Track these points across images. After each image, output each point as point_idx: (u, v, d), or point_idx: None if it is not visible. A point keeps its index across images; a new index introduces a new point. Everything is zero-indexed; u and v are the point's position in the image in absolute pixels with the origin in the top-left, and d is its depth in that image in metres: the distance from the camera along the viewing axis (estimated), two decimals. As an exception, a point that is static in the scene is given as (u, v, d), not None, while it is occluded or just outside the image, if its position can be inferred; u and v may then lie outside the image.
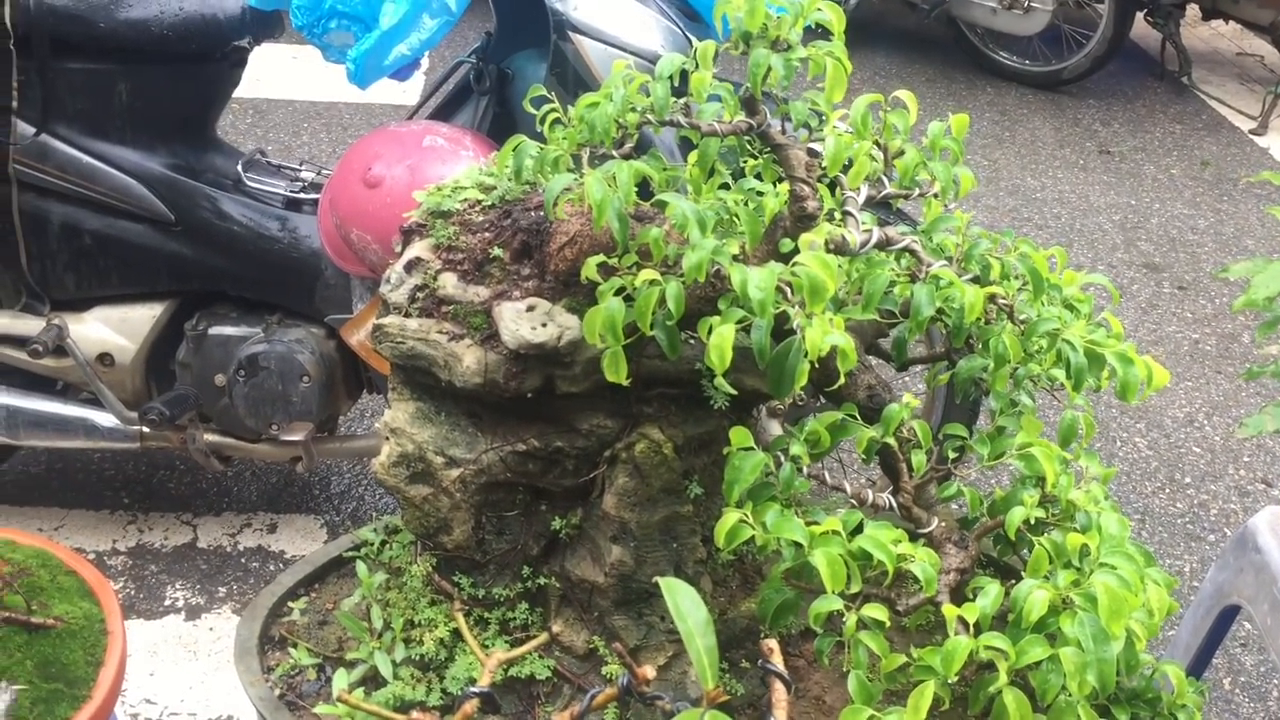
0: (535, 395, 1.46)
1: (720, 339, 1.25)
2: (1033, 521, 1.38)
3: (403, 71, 2.30)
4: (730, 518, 1.31)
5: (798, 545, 1.29)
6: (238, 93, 2.65)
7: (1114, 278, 4.25)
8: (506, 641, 1.55)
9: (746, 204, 1.47)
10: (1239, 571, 1.89)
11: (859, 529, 1.32)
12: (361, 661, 1.55)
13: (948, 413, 2.57)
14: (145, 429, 2.51)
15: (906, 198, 1.58)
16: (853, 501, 1.44)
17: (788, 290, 1.27)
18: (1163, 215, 4.75)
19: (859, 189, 1.52)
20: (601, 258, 1.39)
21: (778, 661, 1.18)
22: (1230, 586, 1.92)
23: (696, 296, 1.36)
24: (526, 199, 1.56)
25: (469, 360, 1.44)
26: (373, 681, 1.53)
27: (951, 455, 1.48)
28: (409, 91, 4.59)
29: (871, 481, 2.88)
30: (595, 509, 1.53)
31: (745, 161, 1.59)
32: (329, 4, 2.15)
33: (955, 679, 1.24)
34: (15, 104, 2.33)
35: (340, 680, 1.49)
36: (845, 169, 1.49)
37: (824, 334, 1.24)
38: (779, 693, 1.16)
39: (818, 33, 1.43)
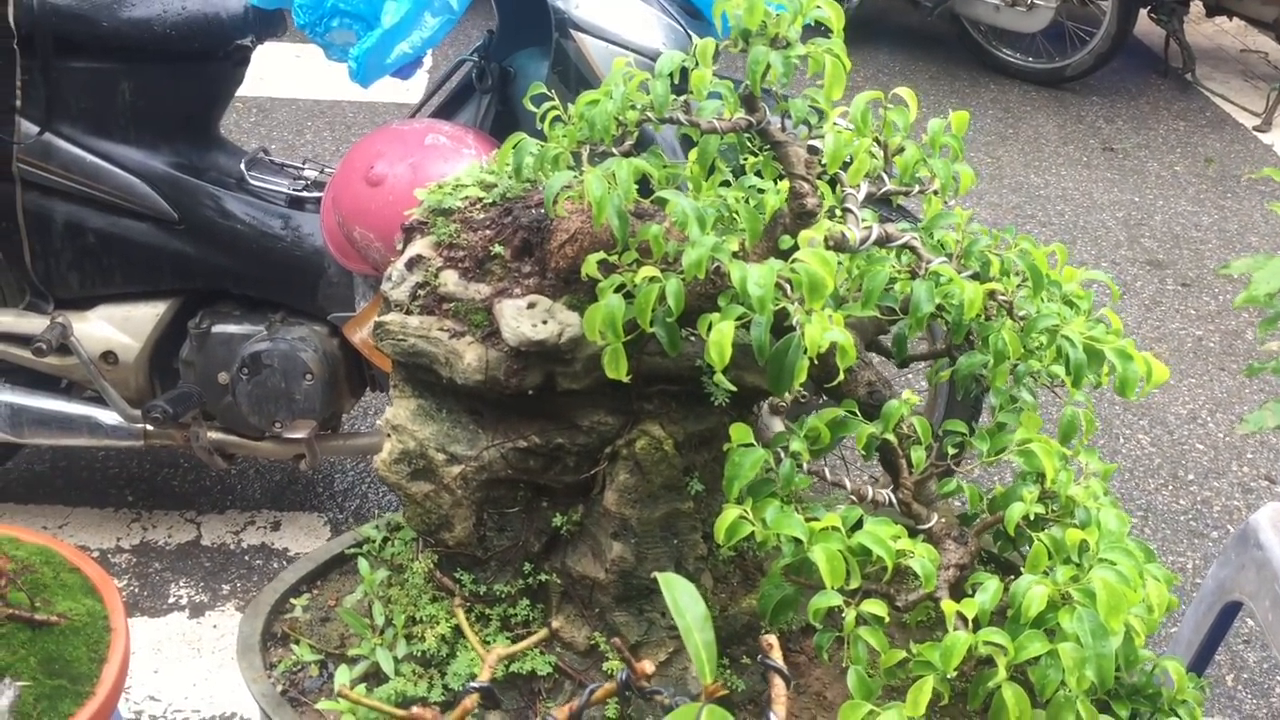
0: (536, 392, 1.47)
1: (720, 335, 1.25)
2: (1032, 517, 1.38)
3: (405, 70, 2.30)
4: (730, 514, 1.32)
5: (797, 541, 1.30)
6: (241, 91, 2.65)
7: (1117, 275, 4.24)
8: (508, 638, 1.55)
9: (746, 201, 1.47)
10: (1240, 568, 1.89)
11: (858, 525, 1.32)
12: (363, 658, 1.55)
13: (950, 410, 2.57)
14: (149, 427, 2.52)
15: (907, 194, 1.58)
16: (853, 498, 1.44)
17: (787, 287, 1.27)
18: (1166, 212, 4.74)
19: (859, 186, 1.52)
20: (602, 255, 1.39)
21: (777, 657, 1.18)
22: (1232, 583, 1.92)
23: (696, 293, 1.37)
24: (527, 196, 1.57)
25: (470, 357, 1.45)
26: (374, 678, 1.54)
27: (951, 451, 1.48)
28: (412, 90, 4.59)
29: (874, 479, 2.88)
30: (596, 505, 1.53)
31: (745, 159, 1.59)
32: (331, 2, 2.15)
33: (954, 674, 1.25)
34: (19, 103, 2.34)
35: (342, 676, 1.49)
36: (845, 166, 1.49)
37: (823, 330, 1.24)
38: (778, 688, 1.16)
39: (818, 30, 1.43)
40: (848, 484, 1.44)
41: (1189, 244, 4.51)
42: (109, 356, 2.50)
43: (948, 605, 1.28)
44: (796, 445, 1.40)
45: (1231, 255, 4.44)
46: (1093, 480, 1.43)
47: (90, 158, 2.39)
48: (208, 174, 2.49)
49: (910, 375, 3.40)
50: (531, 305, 1.45)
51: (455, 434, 1.52)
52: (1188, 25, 6.07)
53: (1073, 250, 4.35)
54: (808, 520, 1.31)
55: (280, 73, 5.07)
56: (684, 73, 1.46)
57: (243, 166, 2.52)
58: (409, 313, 1.51)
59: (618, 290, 1.33)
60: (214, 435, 2.55)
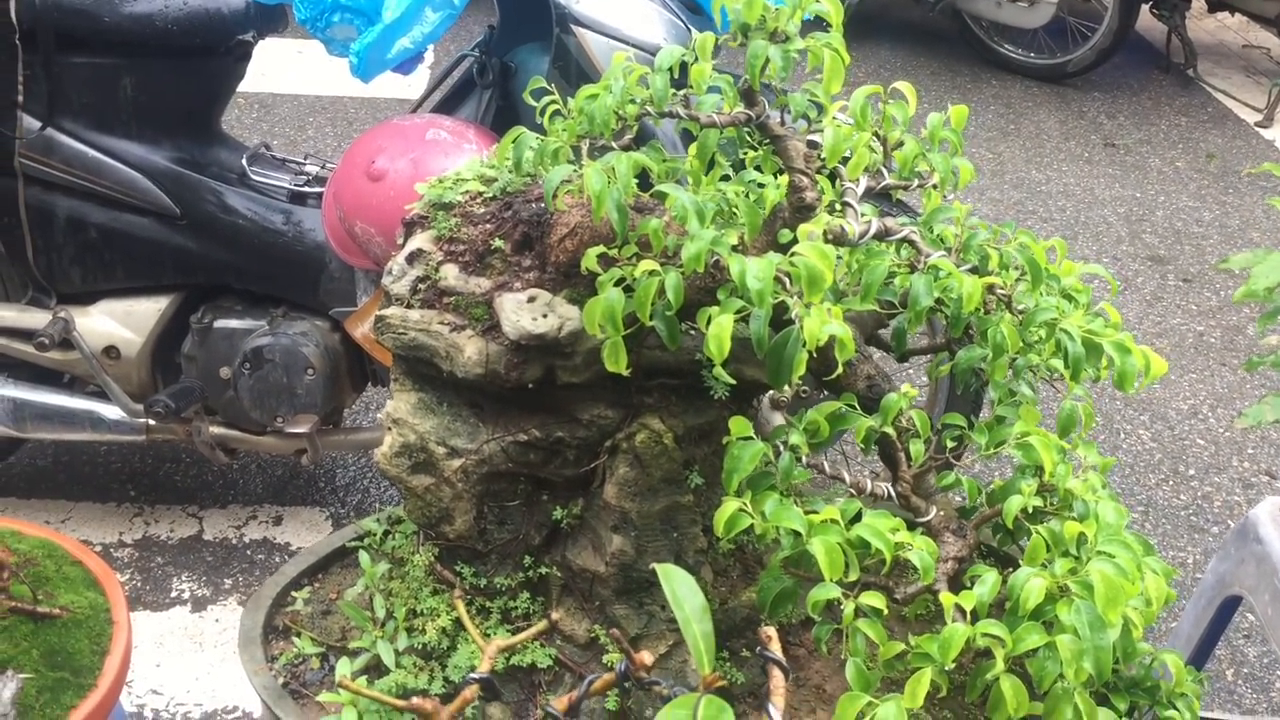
0: (536, 386, 1.47)
1: (719, 329, 1.26)
2: (1031, 510, 1.38)
3: (406, 65, 2.30)
4: (729, 506, 1.32)
5: (796, 534, 1.30)
6: (242, 87, 2.66)
7: (1118, 270, 4.24)
8: (508, 630, 1.56)
9: (746, 195, 1.47)
10: (1240, 562, 1.90)
11: (857, 518, 1.32)
12: (364, 650, 1.56)
13: (950, 404, 2.57)
14: (151, 421, 2.53)
15: (906, 189, 1.58)
16: (851, 491, 1.44)
17: (786, 280, 1.27)
18: (1168, 208, 4.74)
19: (858, 180, 1.52)
20: (601, 249, 1.39)
21: (776, 649, 1.18)
22: (1231, 577, 1.92)
23: (696, 287, 1.37)
24: (527, 191, 1.57)
25: (470, 351, 1.45)
26: (375, 670, 1.54)
27: (950, 445, 1.49)
28: (413, 86, 4.59)
29: (874, 474, 2.88)
30: (596, 499, 1.54)
31: (745, 153, 1.60)
32: (332, -2, 2.16)
33: (953, 666, 1.25)
34: (21, 98, 2.35)
35: (343, 668, 1.50)
36: (845, 160, 1.50)
37: (822, 323, 1.24)
38: (777, 680, 1.17)
39: (817, 25, 1.43)
40: (847, 477, 1.44)
41: (1190, 240, 4.51)
42: (111, 351, 2.50)
43: (946, 598, 1.28)
44: (796, 439, 1.40)
45: (1233, 251, 4.44)
46: (1091, 474, 1.43)
47: (92, 153, 2.40)
48: (209, 169, 2.49)
49: (911, 370, 3.40)
50: (532, 299, 1.46)
51: (456, 427, 1.52)
52: (1190, 20, 6.07)
53: (1074, 246, 4.35)
54: (807, 513, 1.31)
55: (282, 68, 5.07)
56: (684, 67, 1.46)
57: (244, 162, 2.53)
58: (410, 306, 1.51)
59: (617, 284, 1.34)
60: (216, 430, 2.56)
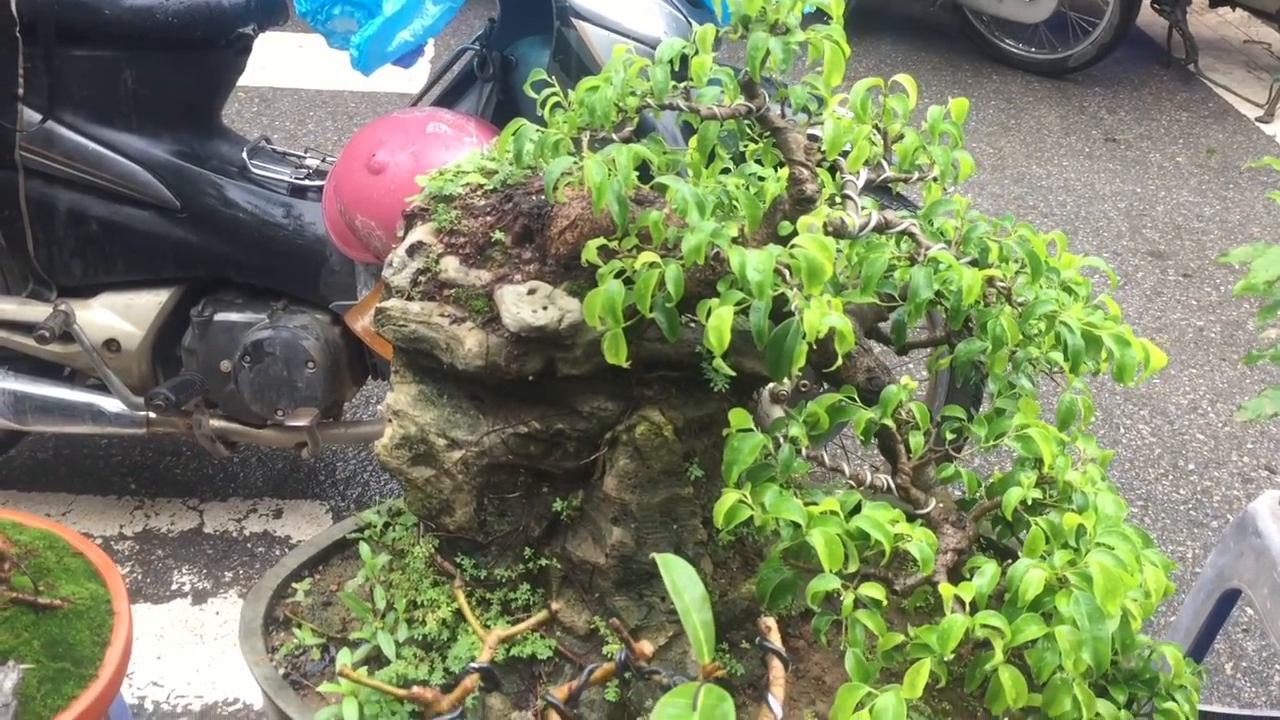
0: (536, 378, 1.47)
1: (719, 321, 1.26)
2: (1030, 502, 1.38)
3: (407, 58, 2.31)
4: (729, 498, 1.32)
5: (796, 525, 1.30)
6: (243, 80, 2.66)
7: (1119, 265, 4.25)
8: (508, 621, 1.56)
9: (746, 188, 1.48)
10: (1239, 556, 1.90)
11: (857, 509, 1.33)
12: (365, 641, 1.56)
13: (950, 397, 2.58)
14: (151, 414, 2.53)
15: (906, 181, 1.58)
16: (851, 483, 1.44)
17: (786, 272, 1.28)
18: (1168, 203, 4.74)
19: (858, 173, 1.52)
20: (602, 241, 1.39)
21: (775, 639, 1.19)
22: (1230, 570, 1.92)
23: (696, 279, 1.37)
24: (527, 183, 1.57)
25: (470, 343, 1.45)
26: (376, 661, 1.55)
27: (950, 437, 1.49)
28: (413, 79, 4.58)
29: (874, 466, 2.88)
30: (596, 491, 1.54)
31: (745, 146, 1.60)
32: (333, -9, 2.16)
33: (952, 657, 1.25)
34: (21, 91, 2.35)
35: (344, 659, 1.50)
36: (845, 153, 1.50)
37: (822, 315, 1.25)
38: (777, 670, 1.17)
39: (818, 17, 1.43)
40: (846, 469, 1.45)
41: (1190, 235, 4.51)
42: (111, 344, 2.51)
43: (945, 589, 1.28)
44: (795, 431, 1.40)
45: (1233, 246, 4.44)
46: (1090, 466, 1.43)
47: (93, 146, 2.40)
48: (210, 162, 2.49)
49: (911, 363, 3.40)
50: (532, 291, 1.46)
51: (456, 419, 1.52)
52: (1191, 15, 6.06)
53: (1074, 241, 4.35)
54: (806, 505, 1.32)
55: (282, 62, 5.07)
56: (684, 60, 1.46)
57: (245, 155, 2.53)
58: (410, 299, 1.52)
59: (617, 276, 1.34)
60: (216, 423, 2.56)
